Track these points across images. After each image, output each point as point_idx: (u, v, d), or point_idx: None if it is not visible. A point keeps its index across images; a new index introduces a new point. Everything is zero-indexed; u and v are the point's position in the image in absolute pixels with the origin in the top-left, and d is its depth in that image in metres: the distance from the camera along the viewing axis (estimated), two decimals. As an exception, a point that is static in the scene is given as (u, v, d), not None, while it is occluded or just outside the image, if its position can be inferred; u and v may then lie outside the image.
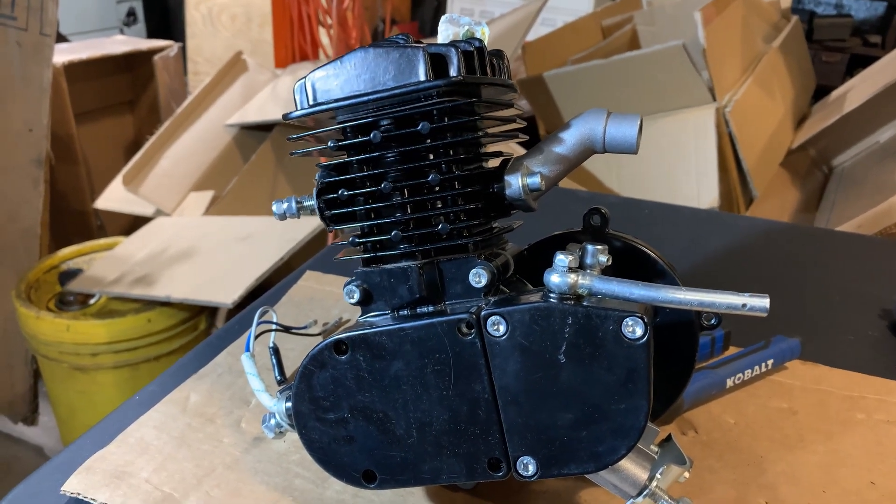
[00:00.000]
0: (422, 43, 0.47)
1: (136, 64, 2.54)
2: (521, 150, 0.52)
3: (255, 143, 2.07)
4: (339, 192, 0.50)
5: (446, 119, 0.47)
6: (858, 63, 3.54)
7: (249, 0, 3.00)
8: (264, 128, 2.05)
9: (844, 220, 1.41)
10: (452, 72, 0.46)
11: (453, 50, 0.46)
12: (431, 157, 0.48)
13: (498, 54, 0.51)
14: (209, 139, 2.07)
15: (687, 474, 0.48)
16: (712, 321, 0.54)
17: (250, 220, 1.73)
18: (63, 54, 2.23)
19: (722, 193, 1.75)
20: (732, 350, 0.71)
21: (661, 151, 1.84)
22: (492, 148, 0.54)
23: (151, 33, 4.51)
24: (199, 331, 1.71)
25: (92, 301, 1.70)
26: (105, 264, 1.73)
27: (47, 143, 1.78)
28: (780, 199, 1.94)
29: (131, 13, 4.50)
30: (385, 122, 0.48)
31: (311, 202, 0.52)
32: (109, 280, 1.64)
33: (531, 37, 2.36)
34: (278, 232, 1.60)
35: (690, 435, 0.61)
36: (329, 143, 0.49)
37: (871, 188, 1.71)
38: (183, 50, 2.74)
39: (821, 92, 2.53)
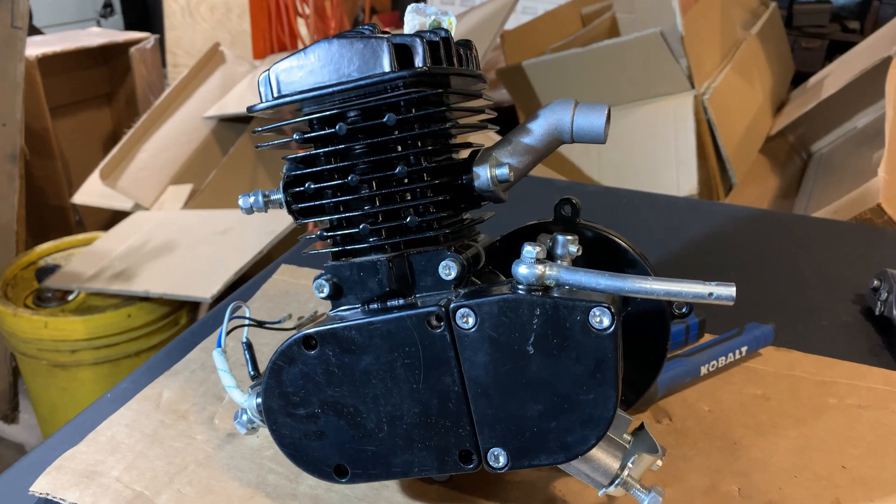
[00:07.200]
0: (387, 33, 0.47)
1: (113, 56, 2.51)
2: (497, 139, 0.52)
3: (234, 136, 2.05)
4: (307, 185, 0.49)
5: (413, 110, 0.47)
6: (837, 49, 3.55)
7: (228, -10, 2.96)
8: (243, 120, 2.03)
9: (822, 206, 1.41)
10: (418, 62, 0.45)
11: (418, 40, 0.45)
12: (399, 148, 0.48)
13: (465, 44, 0.51)
14: (187, 132, 2.05)
15: (660, 463, 0.48)
16: (683, 309, 0.54)
17: (229, 214, 1.72)
18: (37, 47, 2.19)
19: (701, 181, 1.76)
20: (707, 337, 0.71)
21: (640, 139, 1.84)
22: (468, 139, 0.54)
23: (129, 25, 4.46)
24: (179, 325, 1.69)
25: (70, 297, 1.68)
26: (83, 260, 1.71)
27: (21, 138, 1.75)
28: (759, 186, 1.95)
29: (108, 4, 4.44)
30: (351, 114, 0.47)
31: (279, 196, 0.51)
32: (88, 276, 1.62)
33: (511, 25, 2.35)
34: (257, 225, 1.59)
35: (665, 423, 0.62)
36: (295, 136, 0.49)
37: (848, 174, 1.72)
38: (161, 42, 2.70)
39: (801, 78, 2.54)
